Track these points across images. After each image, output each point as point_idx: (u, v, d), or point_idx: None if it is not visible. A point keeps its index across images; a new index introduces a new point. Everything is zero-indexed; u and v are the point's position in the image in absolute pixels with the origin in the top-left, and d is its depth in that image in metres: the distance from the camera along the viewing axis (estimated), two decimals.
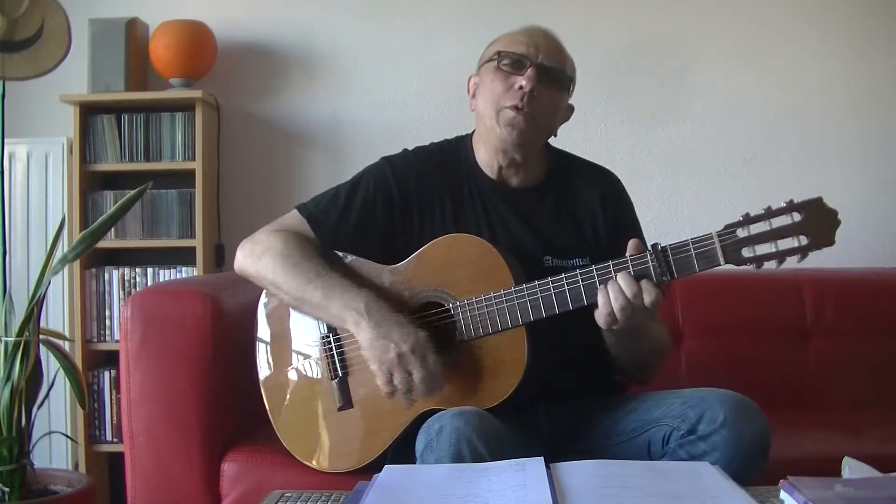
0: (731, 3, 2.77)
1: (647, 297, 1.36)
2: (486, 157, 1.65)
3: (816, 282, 2.35)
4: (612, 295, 1.37)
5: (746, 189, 2.73)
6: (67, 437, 2.52)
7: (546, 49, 1.58)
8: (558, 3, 2.75)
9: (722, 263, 1.35)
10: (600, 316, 1.40)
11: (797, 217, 1.32)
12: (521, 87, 1.54)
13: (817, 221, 1.31)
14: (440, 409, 1.40)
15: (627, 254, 1.39)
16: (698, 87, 2.77)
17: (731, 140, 2.76)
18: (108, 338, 2.64)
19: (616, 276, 1.38)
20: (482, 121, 1.62)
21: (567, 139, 1.72)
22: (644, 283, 1.36)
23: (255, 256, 1.60)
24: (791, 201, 1.32)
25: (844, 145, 2.74)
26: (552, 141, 1.70)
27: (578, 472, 1.15)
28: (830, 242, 1.32)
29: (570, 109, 1.68)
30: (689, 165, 2.77)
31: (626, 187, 1.72)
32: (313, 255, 1.58)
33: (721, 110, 2.76)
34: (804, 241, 1.32)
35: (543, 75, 1.56)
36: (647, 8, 2.78)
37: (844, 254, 2.23)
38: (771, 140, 2.76)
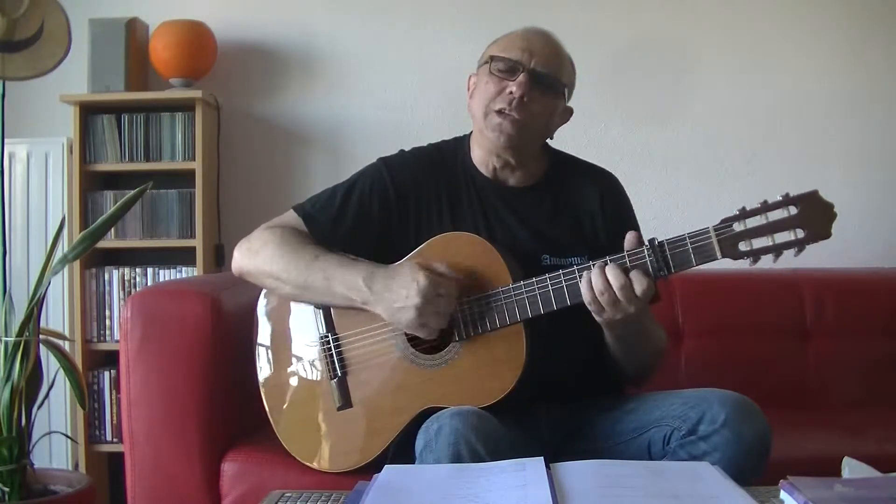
0: (731, 3, 2.77)
1: (639, 287, 1.36)
2: (482, 157, 1.65)
3: (816, 282, 2.35)
4: (599, 289, 1.37)
5: (746, 189, 2.72)
6: (67, 437, 2.52)
7: (541, 55, 1.57)
8: (558, 2, 2.75)
9: (719, 257, 1.35)
10: (590, 307, 1.40)
11: (793, 210, 1.31)
12: (510, 93, 1.54)
13: (813, 214, 1.31)
14: (440, 408, 1.40)
15: (625, 247, 1.40)
16: (698, 87, 2.77)
17: (731, 140, 2.76)
18: (108, 338, 2.64)
19: (606, 268, 1.38)
20: (475, 122, 1.63)
21: (567, 139, 1.72)
22: (634, 274, 1.37)
23: (253, 252, 1.61)
24: (787, 195, 1.32)
25: (844, 145, 2.74)
26: (552, 141, 1.70)
27: (578, 472, 1.14)
28: (827, 235, 1.32)
29: (569, 112, 1.67)
30: (689, 165, 2.77)
31: (626, 187, 1.72)
32: (309, 243, 1.59)
33: (721, 110, 2.76)
34: (801, 234, 1.31)
35: (536, 81, 1.55)
36: (647, 8, 2.78)
37: (844, 253, 2.26)
38: (771, 140, 2.76)
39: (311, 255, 1.56)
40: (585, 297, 1.39)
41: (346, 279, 1.52)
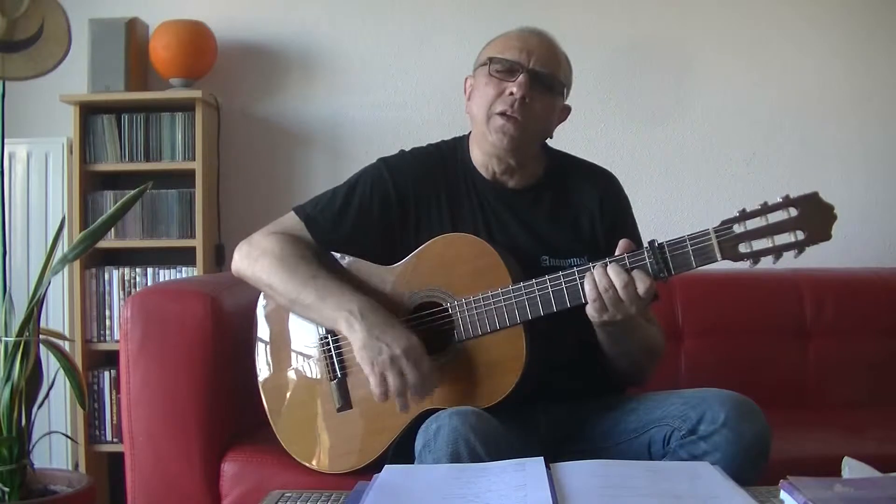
0: (731, 3, 2.77)
1: (641, 286, 1.36)
2: (482, 159, 1.65)
3: (816, 282, 2.35)
4: (602, 286, 1.37)
5: (746, 189, 2.73)
6: (67, 437, 2.52)
7: (539, 54, 1.57)
8: (558, 2, 2.75)
9: (719, 259, 1.35)
10: (589, 306, 1.39)
11: (794, 212, 1.31)
12: (511, 94, 1.54)
13: (814, 216, 1.31)
14: (439, 409, 1.40)
15: (620, 253, 1.39)
16: (698, 87, 2.77)
17: (731, 140, 2.76)
18: (108, 338, 2.64)
19: (608, 267, 1.37)
20: (475, 125, 1.63)
21: (567, 139, 1.72)
22: (636, 273, 1.36)
23: (252, 259, 1.61)
24: (787, 196, 1.32)
25: (844, 145, 2.74)
26: (551, 141, 1.70)
27: (578, 472, 1.15)
28: (827, 237, 1.31)
29: (567, 110, 1.68)
30: (689, 165, 2.77)
31: (626, 187, 1.72)
32: (310, 259, 1.58)
33: (721, 110, 2.76)
34: (801, 236, 1.31)
35: (535, 81, 1.55)
36: (647, 8, 2.78)
37: (844, 253, 2.26)
38: (771, 140, 2.76)
39: (309, 274, 1.55)
40: (589, 294, 1.38)
41: (340, 301, 1.50)
